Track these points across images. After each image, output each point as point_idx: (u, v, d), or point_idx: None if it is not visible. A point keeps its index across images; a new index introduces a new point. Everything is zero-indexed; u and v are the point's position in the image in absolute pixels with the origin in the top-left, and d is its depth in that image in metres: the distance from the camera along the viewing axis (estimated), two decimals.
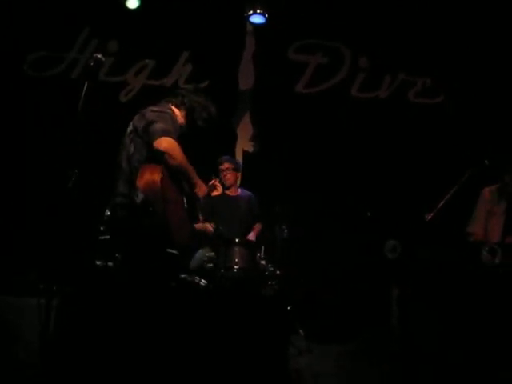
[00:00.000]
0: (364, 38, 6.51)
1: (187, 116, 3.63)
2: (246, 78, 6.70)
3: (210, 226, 5.04)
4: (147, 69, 6.55)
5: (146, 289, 3.26)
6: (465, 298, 4.20)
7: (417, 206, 4.60)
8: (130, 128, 3.46)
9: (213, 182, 4.00)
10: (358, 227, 5.91)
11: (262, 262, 4.81)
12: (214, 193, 4.02)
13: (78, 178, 3.10)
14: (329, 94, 6.55)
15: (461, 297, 4.22)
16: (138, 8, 6.27)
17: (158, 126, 3.28)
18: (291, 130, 6.48)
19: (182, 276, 4.45)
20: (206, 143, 5.90)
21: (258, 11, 6.23)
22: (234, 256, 4.62)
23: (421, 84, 6.52)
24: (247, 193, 5.56)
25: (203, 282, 4.48)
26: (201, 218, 5.08)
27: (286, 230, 5.11)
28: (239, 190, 5.56)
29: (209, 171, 4.12)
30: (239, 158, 6.38)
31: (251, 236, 5.30)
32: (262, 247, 4.92)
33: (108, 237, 3.63)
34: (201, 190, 3.54)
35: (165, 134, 3.26)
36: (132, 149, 3.38)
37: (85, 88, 3.16)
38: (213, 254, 4.71)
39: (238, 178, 5.51)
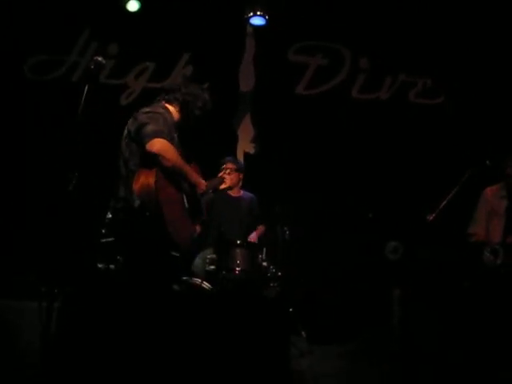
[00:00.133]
0: (364, 39, 6.51)
1: (182, 110, 3.60)
2: (246, 80, 6.71)
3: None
4: (148, 71, 6.56)
5: (148, 291, 3.26)
6: (464, 298, 4.20)
7: (418, 206, 4.60)
8: (125, 132, 3.45)
9: (222, 174, 3.99)
10: (359, 228, 5.91)
11: (264, 263, 4.80)
12: (222, 186, 4.01)
13: (79, 181, 3.10)
14: (329, 96, 6.55)
15: (460, 297, 4.22)
16: (138, 11, 6.27)
17: (150, 127, 3.26)
18: (292, 131, 6.48)
19: (184, 278, 4.45)
20: (207, 144, 5.92)
21: (258, 13, 6.24)
22: (235, 258, 4.62)
23: (421, 84, 6.52)
24: (249, 194, 5.56)
25: (205, 284, 4.48)
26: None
27: (287, 232, 5.12)
28: (241, 191, 5.56)
29: (210, 172, 4.11)
30: (240, 159, 6.38)
31: (252, 237, 5.30)
32: (264, 249, 4.92)
33: (110, 239, 3.64)
34: (200, 187, 3.53)
35: (156, 135, 3.23)
36: (127, 153, 3.38)
37: (85, 91, 3.15)
38: (214, 255, 4.71)
39: (240, 178, 5.50)
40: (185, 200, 3.50)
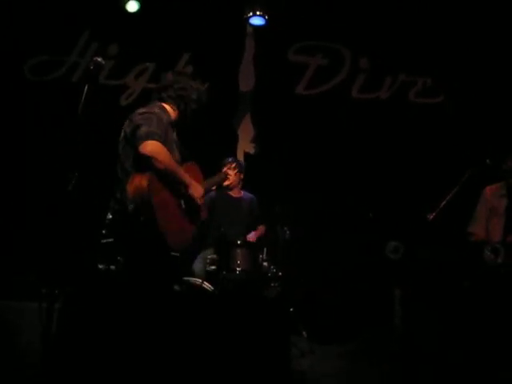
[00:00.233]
0: (364, 39, 6.51)
1: (178, 107, 3.55)
2: (246, 80, 6.71)
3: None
4: (147, 72, 6.56)
5: (148, 292, 3.26)
6: (464, 298, 4.20)
7: (418, 206, 4.59)
8: (122, 133, 3.44)
9: (225, 170, 3.97)
10: (360, 228, 5.91)
11: (265, 263, 4.80)
12: (226, 182, 3.97)
13: (79, 181, 3.10)
14: (329, 96, 6.55)
15: (460, 297, 4.22)
16: (138, 11, 6.27)
17: (143, 129, 3.23)
18: (292, 131, 6.48)
19: (185, 278, 4.45)
20: (207, 145, 5.92)
21: (258, 13, 6.24)
22: (236, 258, 4.62)
23: (421, 84, 6.51)
24: (249, 195, 5.56)
25: (206, 284, 4.48)
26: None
27: (287, 232, 5.12)
28: (242, 192, 5.56)
29: (210, 173, 4.11)
30: (241, 159, 6.38)
31: (251, 236, 5.29)
32: (265, 249, 4.92)
33: (110, 240, 3.63)
34: (196, 190, 3.48)
35: (149, 137, 3.19)
36: (124, 155, 3.36)
37: (85, 91, 3.15)
38: (215, 256, 4.71)
39: (241, 179, 5.50)
40: (182, 202, 3.46)
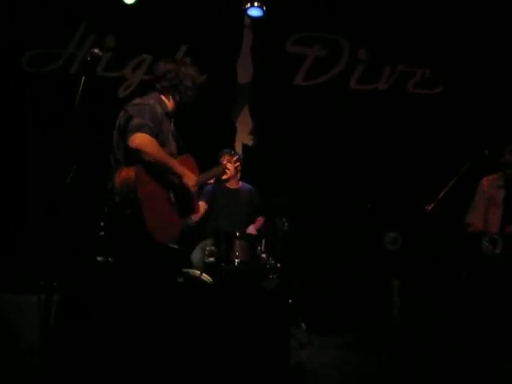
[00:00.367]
0: (362, 30, 6.49)
1: (174, 96, 3.51)
2: (244, 72, 6.69)
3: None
4: (145, 64, 6.54)
5: (147, 284, 3.26)
6: (463, 289, 4.21)
7: (417, 197, 4.60)
8: (116, 124, 3.41)
9: (225, 163, 3.95)
10: (358, 218, 5.91)
11: (263, 255, 4.81)
12: (224, 176, 3.94)
13: (77, 174, 3.10)
14: (328, 87, 6.54)
15: (459, 288, 4.22)
16: (135, 3, 6.24)
17: (134, 121, 3.21)
18: (290, 122, 6.47)
19: (184, 270, 4.46)
20: (205, 136, 5.92)
21: (256, 4, 6.21)
22: (234, 249, 4.62)
23: (420, 75, 6.50)
24: (248, 186, 5.56)
25: (205, 276, 4.49)
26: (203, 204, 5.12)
27: (286, 223, 5.12)
28: (240, 183, 5.55)
29: (208, 165, 4.10)
30: (239, 151, 6.37)
31: (251, 229, 5.30)
32: (263, 240, 4.92)
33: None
34: (189, 179, 3.44)
35: (138, 129, 3.17)
36: (117, 145, 3.35)
37: (82, 83, 3.14)
38: (213, 247, 4.71)
39: (238, 170, 5.49)
40: (171, 195, 3.42)
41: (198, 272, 4.51)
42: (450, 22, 6.27)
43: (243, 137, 6.60)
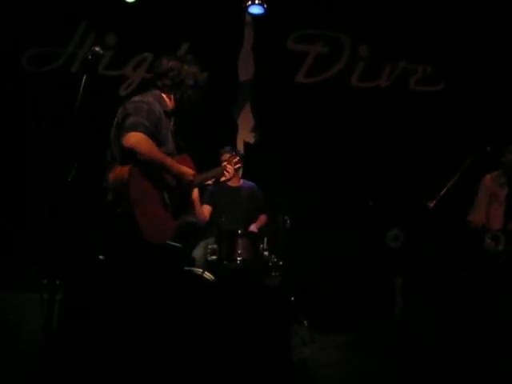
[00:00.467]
0: (364, 27, 6.48)
1: (175, 95, 3.48)
2: (245, 69, 6.69)
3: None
4: (146, 62, 6.54)
5: (149, 283, 3.25)
6: (463, 289, 4.20)
7: (419, 194, 4.59)
8: (115, 120, 3.37)
9: (224, 164, 3.93)
10: (360, 217, 5.91)
11: (265, 253, 4.80)
12: (223, 178, 3.91)
13: (78, 172, 3.09)
14: (329, 84, 6.53)
15: (459, 287, 4.22)
16: (136, 1, 6.24)
17: (130, 120, 3.17)
18: (292, 120, 6.46)
19: (186, 268, 4.45)
20: (207, 135, 5.91)
21: (257, 1, 6.19)
22: (237, 247, 4.61)
23: (421, 72, 6.49)
24: (249, 183, 5.55)
25: (207, 274, 4.48)
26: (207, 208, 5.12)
27: (288, 221, 5.11)
28: (241, 180, 5.55)
29: (210, 163, 4.10)
30: (241, 149, 6.37)
31: (253, 227, 5.30)
32: (265, 238, 4.91)
33: None
34: (187, 174, 3.41)
35: (133, 128, 3.14)
36: (114, 142, 3.31)
37: (83, 81, 3.14)
38: (215, 245, 4.71)
39: (239, 167, 5.48)
40: (165, 196, 3.37)
41: (201, 270, 4.51)
42: (452, 18, 6.26)
43: (245, 134, 6.60)
